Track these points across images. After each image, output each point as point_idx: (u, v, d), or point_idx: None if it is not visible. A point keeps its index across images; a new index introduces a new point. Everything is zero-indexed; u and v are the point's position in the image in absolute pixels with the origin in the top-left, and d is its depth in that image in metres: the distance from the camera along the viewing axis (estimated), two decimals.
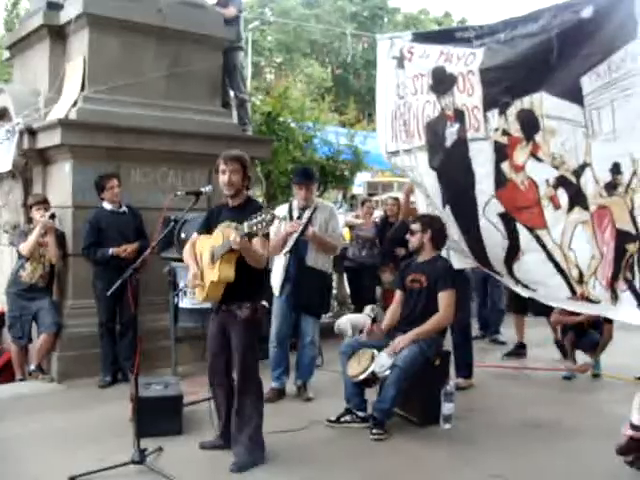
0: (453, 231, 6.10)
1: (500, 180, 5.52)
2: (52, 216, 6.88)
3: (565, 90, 4.92)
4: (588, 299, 5.16)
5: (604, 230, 4.89)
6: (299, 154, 10.67)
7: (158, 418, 5.21)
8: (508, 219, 5.59)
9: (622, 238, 4.75)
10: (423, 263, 5.92)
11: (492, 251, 5.84)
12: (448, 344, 6.42)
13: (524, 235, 5.50)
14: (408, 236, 6.05)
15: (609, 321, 7.21)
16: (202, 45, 8.01)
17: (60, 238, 7.02)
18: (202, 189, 5.00)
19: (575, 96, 4.83)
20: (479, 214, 5.76)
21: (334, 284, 9.01)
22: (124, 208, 6.95)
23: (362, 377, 5.51)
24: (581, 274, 5.13)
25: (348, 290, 9.90)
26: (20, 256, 6.92)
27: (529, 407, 6.28)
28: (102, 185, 6.80)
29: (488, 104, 5.44)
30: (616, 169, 4.69)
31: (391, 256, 8.79)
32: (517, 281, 5.81)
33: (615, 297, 4.91)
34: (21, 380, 6.92)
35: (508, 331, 8.92)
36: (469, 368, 6.91)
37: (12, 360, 7.10)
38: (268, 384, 6.26)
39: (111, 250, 6.68)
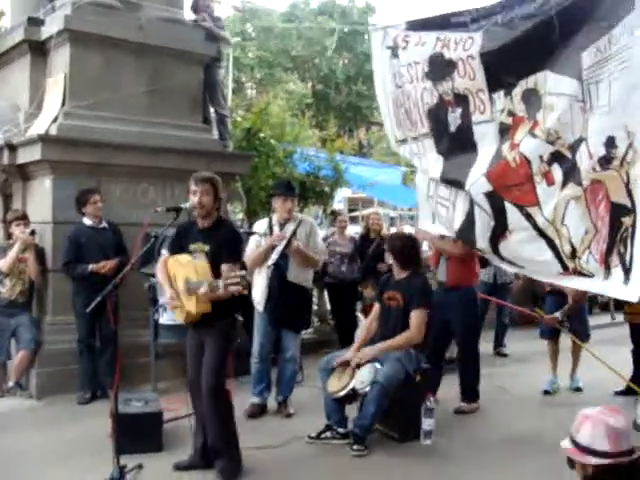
0: (461, 200, 5.86)
1: (494, 160, 5.40)
2: (32, 232, 6.84)
3: (566, 66, 4.84)
4: (580, 273, 5.03)
5: (598, 204, 4.78)
6: (279, 170, 10.68)
7: (138, 435, 5.16)
8: (494, 198, 5.43)
9: (617, 211, 4.66)
10: (400, 281, 5.94)
11: (480, 229, 5.65)
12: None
13: (512, 213, 5.33)
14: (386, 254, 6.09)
15: None
16: (182, 61, 8.04)
17: (40, 254, 6.98)
18: (182, 205, 5.00)
19: (575, 71, 4.76)
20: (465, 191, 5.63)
21: (314, 299, 8.99)
22: (104, 224, 6.92)
23: (342, 394, 5.52)
24: (574, 250, 5.01)
25: (329, 306, 9.89)
26: None
27: (509, 422, 6.30)
28: (84, 200, 6.76)
29: (493, 86, 5.33)
30: (611, 142, 4.61)
31: (373, 272, 8.81)
32: (502, 259, 5.66)
33: (608, 272, 4.79)
34: None
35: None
36: (474, 392, 6.70)
37: None
38: (250, 400, 6.27)
39: (91, 266, 6.64)
